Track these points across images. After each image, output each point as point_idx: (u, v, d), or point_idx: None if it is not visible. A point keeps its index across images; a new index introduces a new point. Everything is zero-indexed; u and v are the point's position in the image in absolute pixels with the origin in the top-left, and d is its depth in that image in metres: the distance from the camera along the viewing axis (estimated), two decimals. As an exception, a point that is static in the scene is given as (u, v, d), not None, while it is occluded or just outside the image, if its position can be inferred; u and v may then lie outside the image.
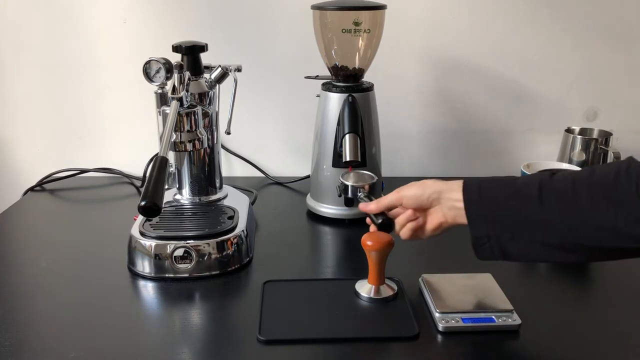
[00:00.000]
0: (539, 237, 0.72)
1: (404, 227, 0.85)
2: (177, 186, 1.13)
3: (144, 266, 0.97)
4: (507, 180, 0.76)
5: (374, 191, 0.95)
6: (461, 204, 0.77)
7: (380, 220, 0.86)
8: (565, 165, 1.30)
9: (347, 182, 0.97)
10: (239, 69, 1.14)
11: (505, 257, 0.76)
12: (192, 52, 1.06)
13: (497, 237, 0.74)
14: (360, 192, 0.95)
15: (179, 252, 0.95)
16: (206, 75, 1.10)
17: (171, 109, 0.92)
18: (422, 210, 0.84)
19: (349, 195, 0.97)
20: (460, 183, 0.79)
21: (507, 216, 0.74)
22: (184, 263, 0.96)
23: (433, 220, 0.83)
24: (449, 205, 0.80)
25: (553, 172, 0.75)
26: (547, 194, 0.71)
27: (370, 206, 0.88)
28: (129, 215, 1.10)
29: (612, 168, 0.69)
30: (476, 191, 0.77)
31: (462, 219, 0.78)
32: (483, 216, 0.75)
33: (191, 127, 0.99)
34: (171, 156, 1.09)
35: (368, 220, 0.90)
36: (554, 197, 0.71)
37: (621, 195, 0.66)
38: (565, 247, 0.71)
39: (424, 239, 0.86)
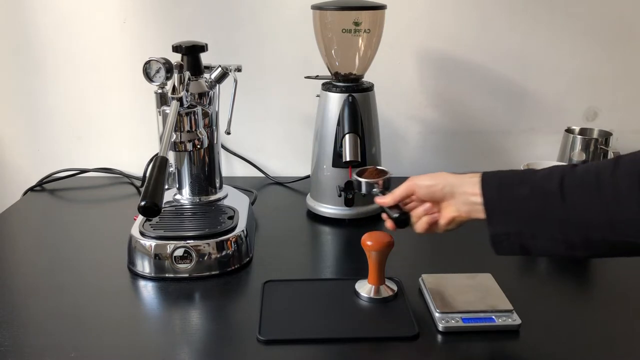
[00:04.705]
0: (562, 234, 0.69)
1: (420, 220, 0.83)
2: (177, 186, 1.13)
3: (144, 266, 0.97)
4: (526, 175, 0.73)
5: (389, 186, 0.93)
6: (477, 199, 0.74)
7: (396, 215, 0.84)
8: (565, 165, 1.30)
9: (360, 179, 0.95)
10: (239, 69, 1.14)
11: (526, 253, 0.73)
12: (192, 52, 1.06)
13: (518, 235, 0.71)
14: (375, 187, 0.93)
15: (179, 252, 0.95)
16: (206, 75, 1.10)
17: (171, 109, 0.92)
18: (434, 202, 0.82)
19: (363, 191, 0.95)
20: (476, 177, 0.75)
21: (528, 214, 0.71)
22: (184, 263, 0.96)
23: (446, 214, 0.80)
24: (464, 199, 0.77)
25: (574, 164, 0.71)
26: (569, 188, 0.68)
27: (385, 199, 0.86)
28: (129, 215, 1.10)
29: (638, 155, 0.65)
30: (495, 188, 0.73)
31: (478, 214, 0.75)
32: (503, 214, 0.72)
33: (191, 127, 0.99)
34: (171, 156, 1.09)
35: (384, 215, 0.88)
36: (576, 191, 0.67)
37: None
38: (588, 243, 0.68)
39: (439, 232, 0.83)
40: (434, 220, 0.82)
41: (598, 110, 1.44)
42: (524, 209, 0.71)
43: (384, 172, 0.96)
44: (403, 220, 0.84)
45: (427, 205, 0.82)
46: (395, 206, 0.85)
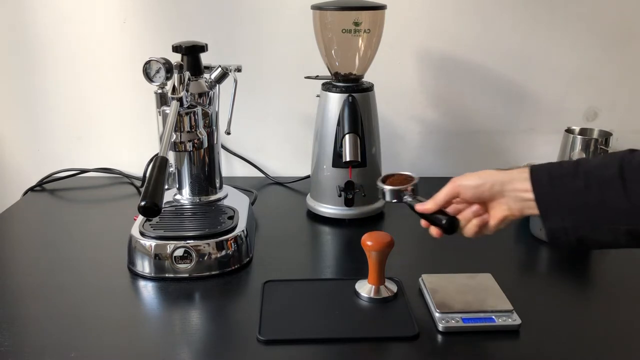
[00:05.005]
0: (623, 224, 0.65)
1: (469, 223, 0.78)
2: (177, 186, 1.13)
3: (144, 266, 0.97)
4: (579, 165, 0.69)
5: (417, 191, 0.86)
6: (529, 195, 0.71)
7: (445, 221, 0.77)
8: (565, 165, 1.30)
9: (386, 186, 0.87)
10: (239, 69, 1.14)
11: (585, 247, 0.70)
12: (192, 52, 1.06)
13: (576, 229, 0.68)
14: (404, 194, 0.85)
15: (179, 252, 0.95)
16: (206, 75, 1.10)
17: (171, 109, 0.92)
18: (481, 202, 0.77)
19: (391, 200, 0.86)
20: (525, 172, 0.72)
21: (586, 206, 0.67)
22: (184, 263, 0.96)
23: (496, 214, 0.76)
24: (515, 196, 0.73)
25: (632, 149, 0.68)
26: (630, 174, 0.64)
27: (427, 205, 0.79)
28: (129, 215, 1.10)
29: None
30: (547, 181, 0.70)
31: (531, 210, 0.71)
32: (558, 208, 0.69)
33: (191, 127, 0.99)
34: (171, 156, 1.09)
35: (424, 222, 0.81)
36: (638, 178, 0.64)
37: None
38: None
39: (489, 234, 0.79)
40: (484, 222, 0.77)
41: (598, 110, 1.44)
42: (581, 201, 0.67)
43: (410, 178, 0.88)
44: (453, 225, 0.77)
45: (475, 207, 0.77)
46: (439, 211, 0.79)
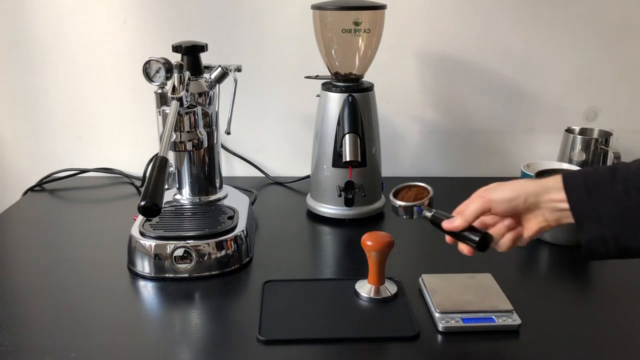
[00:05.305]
0: None
1: (503, 238, 0.74)
2: (177, 186, 1.13)
3: (144, 266, 0.97)
4: (617, 169, 0.66)
5: (433, 203, 0.81)
6: (566, 205, 0.67)
7: (478, 238, 0.72)
8: (565, 165, 1.30)
9: (400, 202, 0.80)
10: (239, 69, 1.14)
11: (625, 257, 0.66)
12: (192, 52, 1.06)
13: (616, 237, 0.65)
14: (421, 209, 0.80)
15: (179, 252, 0.95)
16: (206, 75, 1.10)
17: (171, 109, 0.92)
18: (513, 215, 0.73)
19: (407, 217, 0.81)
20: (558, 180, 0.69)
21: (627, 213, 0.64)
22: (184, 263, 0.96)
23: (532, 227, 0.72)
24: (551, 207, 0.70)
25: None
26: None
27: (455, 222, 0.75)
28: (129, 215, 1.10)
29: None
30: (583, 189, 0.66)
31: (568, 219, 0.68)
32: (596, 217, 0.65)
33: (191, 127, 0.99)
34: (171, 156, 1.09)
35: (449, 239, 0.77)
36: None
37: None
38: None
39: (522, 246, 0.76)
40: (518, 235, 0.74)
41: (598, 110, 1.44)
42: (621, 208, 0.64)
43: (423, 190, 0.82)
44: (486, 242, 0.73)
45: (508, 221, 0.74)
46: (469, 228, 0.74)
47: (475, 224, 0.75)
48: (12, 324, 0.83)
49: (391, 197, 0.82)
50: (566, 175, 0.69)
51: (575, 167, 1.28)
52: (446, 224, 0.76)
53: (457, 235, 0.75)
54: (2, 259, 1.05)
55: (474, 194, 0.76)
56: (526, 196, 0.71)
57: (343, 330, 0.82)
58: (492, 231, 0.75)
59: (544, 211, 0.71)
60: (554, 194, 0.69)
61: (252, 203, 1.22)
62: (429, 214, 0.79)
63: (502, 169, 1.46)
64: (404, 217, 0.81)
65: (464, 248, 0.76)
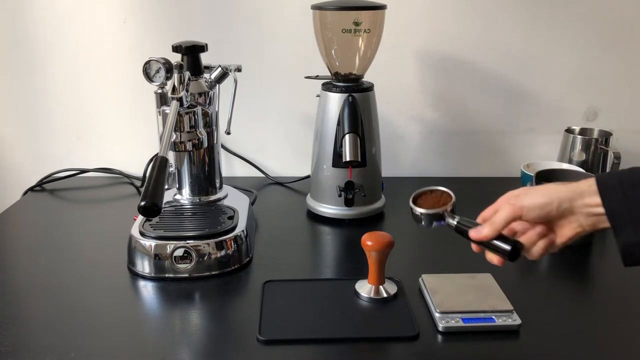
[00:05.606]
0: None
1: (535, 246, 0.71)
2: (177, 186, 1.13)
3: (144, 266, 0.97)
4: None
5: (455, 210, 0.77)
6: (602, 209, 0.65)
7: (509, 248, 0.69)
8: (565, 165, 1.30)
9: (422, 210, 0.76)
10: (239, 69, 1.14)
11: None
12: (192, 52, 1.06)
13: None
14: (444, 216, 0.76)
15: (179, 252, 0.95)
16: (206, 75, 1.10)
17: (171, 109, 0.92)
18: (545, 222, 0.70)
19: (428, 225, 0.77)
20: (592, 184, 0.66)
21: None
22: (184, 263, 0.96)
23: (566, 233, 0.69)
24: (587, 212, 0.67)
25: None
26: None
27: (484, 231, 0.71)
28: (129, 215, 1.10)
29: None
30: (618, 191, 0.64)
31: (605, 224, 0.66)
32: (632, 221, 0.63)
33: (191, 127, 0.99)
34: (171, 156, 1.09)
35: (476, 247, 0.74)
36: None
37: None
38: None
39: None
40: (550, 242, 0.71)
41: (598, 110, 1.44)
42: None
43: (442, 194, 0.78)
44: (517, 252, 0.70)
45: (540, 228, 0.70)
46: (498, 236, 0.71)
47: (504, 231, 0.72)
48: (12, 324, 0.83)
49: (411, 204, 0.78)
50: (600, 178, 0.66)
51: (575, 167, 1.28)
52: (474, 234, 0.72)
53: (486, 244, 0.72)
54: (2, 259, 1.05)
55: (501, 199, 0.73)
56: (560, 202, 0.68)
57: (343, 330, 0.82)
58: (523, 239, 0.71)
59: (579, 217, 0.68)
60: (589, 198, 0.66)
61: (252, 203, 1.22)
62: (453, 222, 0.75)
63: (502, 169, 1.46)
64: (425, 225, 0.77)
65: (492, 258, 0.72)
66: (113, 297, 0.92)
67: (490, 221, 0.71)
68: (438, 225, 0.76)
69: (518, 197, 0.70)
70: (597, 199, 0.65)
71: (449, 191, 0.78)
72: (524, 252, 0.71)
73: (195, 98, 1.04)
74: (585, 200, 0.66)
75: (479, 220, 0.74)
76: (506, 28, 1.37)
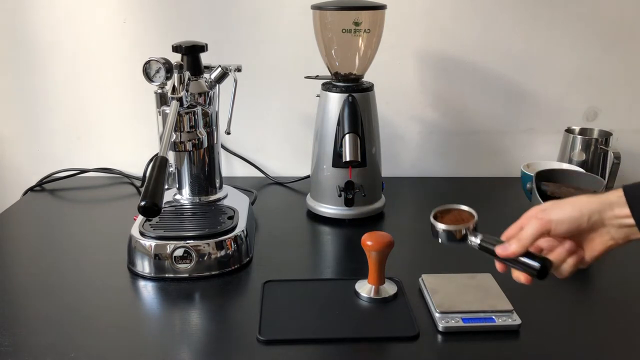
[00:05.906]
0: None
1: (564, 264, 0.68)
2: (177, 186, 1.13)
3: (144, 266, 0.97)
4: None
5: (477, 227, 0.75)
6: (632, 220, 0.63)
7: (539, 265, 0.66)
8: (565, 165, 1.30)
9: (444, 226, 0.74)
10: (239, 69, 1.14)
11: None
12: (192, 52, 1.06)
13: None
14: (466, 232, 0.74)
15: (179, 252, 0.95)
16: (206, 75, 1.10)
17: (171, 109, 0.92)
18: (574, 236, 0.68)
19: (448, 242, 0.74)
20: (620, 195, 0.64)
21: None
22: (184, 263, 0.96)
23: (596, 247, 0.67)
24: (618, 224, 0.65)
25: None
26: None
27: (511, 248, 0.68)
28: (129, 215, 1.10)
29: None
30: None
31: (637, 235, 0.64)
32: None
33: (191, 127, 0.99)
34: (171, 156, 1.09)
35: (500, 266, 0.71)
36: None
37: None
38: None
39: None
40: (580, 259, 0.68)
41: (598, 110, 1.44)
42: None
43: (462, 213, 0.76)
44: (546, 270, 0.67)
45: (569, 244, 0.68)
46: (526, 253, 0.68)
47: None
48: (12, 324, 0.83)
49: (432, 220, 0.75)
50: (628, 188, 0.64)
51: (575, 167, 1.28)
52: (500, 250, 0.69)
53: (513, 262, 0.69)
54: (2, 259, 1.05)
55: (525, 215, 0.70)
56: (590, 213, 0.65)
57: (343, 330, 0.82)
58: (552, 256, 0.69)
59: (610, 229, 0.65)
60: (618, 209, 0.64)
61: (252, 203, 1.22)
62: (476, 240, 0.73)
63: (502, 169, 1.46)
64: (445, 242, 0.75)
65: (520, 276, 0.69)
66: (113, 297, 0.92)
67: (517, 237, 0.68)
68: (459, 243, 0.74)
69: (545, 211, 0.68)
70: (626, 210, 0.63)
71: (471, 210, 0.76)
72: (552, 270, 0.68)
73: (195, 98, 1.04)
74: (615, 211, 0.65)
75: (503, 237, 0.72)
76: (506, 28, 1.37)
